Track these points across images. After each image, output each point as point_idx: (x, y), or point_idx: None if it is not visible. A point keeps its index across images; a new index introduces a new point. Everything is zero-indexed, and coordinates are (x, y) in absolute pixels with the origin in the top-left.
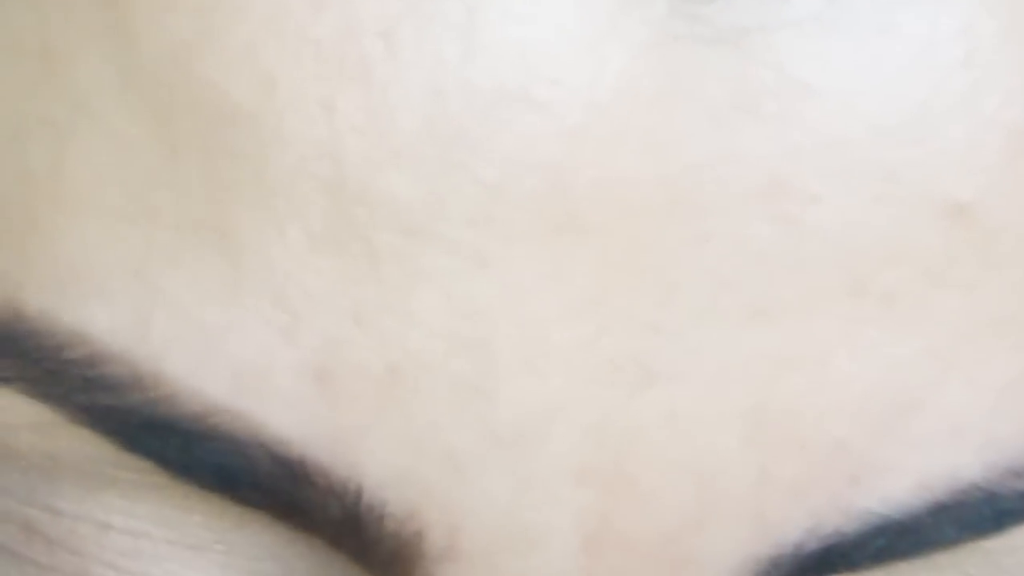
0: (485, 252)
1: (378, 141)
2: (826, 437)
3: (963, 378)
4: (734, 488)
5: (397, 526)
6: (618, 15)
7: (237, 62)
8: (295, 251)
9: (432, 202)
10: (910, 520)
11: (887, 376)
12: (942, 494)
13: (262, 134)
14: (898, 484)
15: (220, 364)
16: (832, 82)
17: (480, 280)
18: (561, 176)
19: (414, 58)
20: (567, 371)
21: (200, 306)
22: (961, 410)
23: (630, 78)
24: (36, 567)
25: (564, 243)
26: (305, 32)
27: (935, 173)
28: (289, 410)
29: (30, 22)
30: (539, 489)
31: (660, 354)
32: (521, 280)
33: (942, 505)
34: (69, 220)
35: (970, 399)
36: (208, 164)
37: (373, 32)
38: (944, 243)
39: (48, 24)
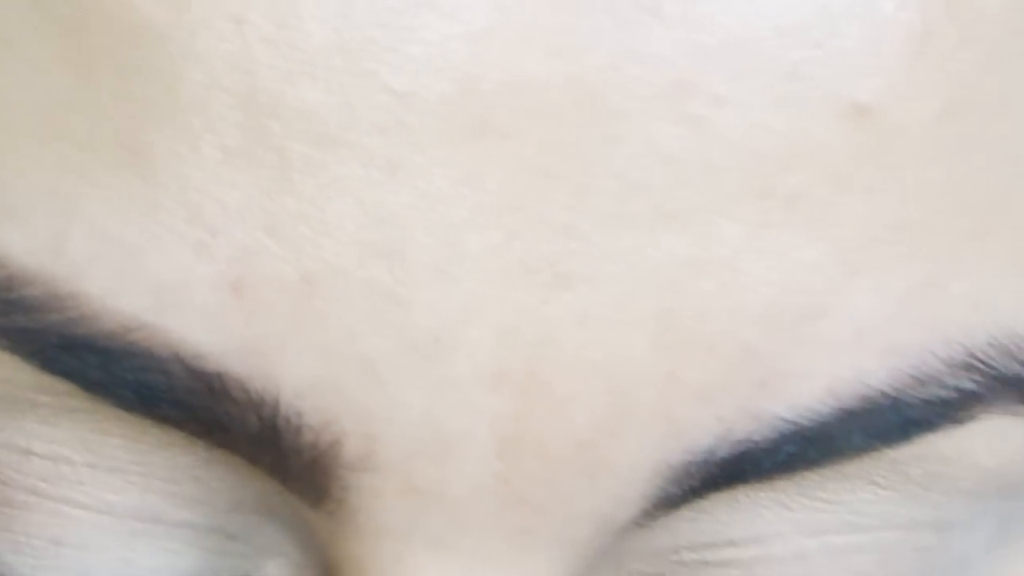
0: (397, 159)
1: (288, 53)
2: (735, 341)
3: (868, 283)
4: (645, 393)
5: (314, 436)
6: None
7: None
8: (209, 166)
9: (343, 111)
10: (818, 427)
11: (794, 280)
12: (849, 401)
13: (173, 50)
14: (806, 390)
15: (138, 281)
16: None
17: (392, 187)
18: (469, 81)
19: None
20: (480, 276)
21: (117, 224)
22: (866, 315)
23: None
24: None
25: (475, 148)
26: None
27: (836, 73)
28: (206, 324)
29: None
30: (454, 395)
31: (572, 258)
32: (433, 186)
33: (849, 412)
34: None
35: (875, 304)
36: (121, 83)
37: None
38: (847, 145)
39: None
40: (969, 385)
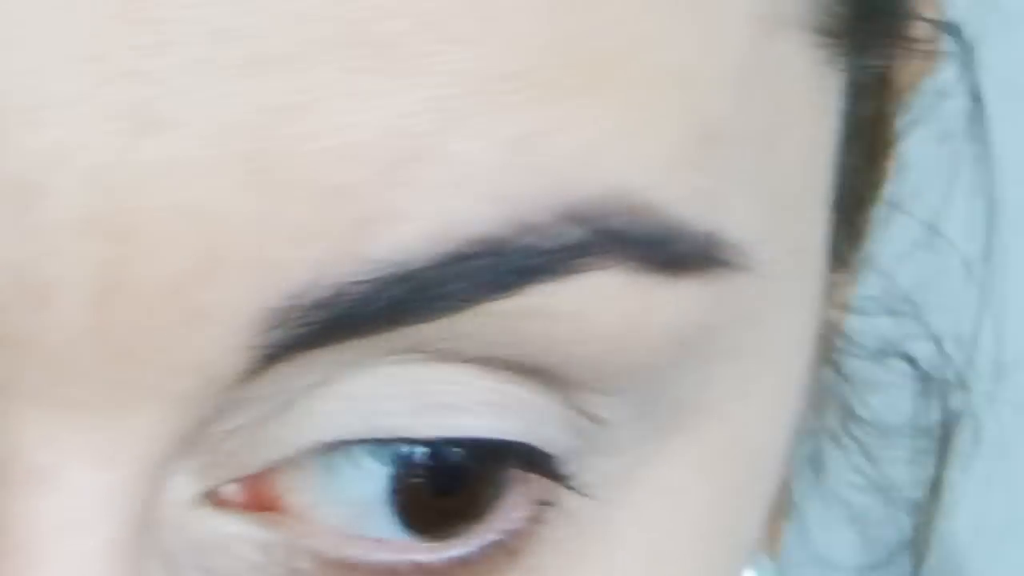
0: None
1: None
2: (328, 183)
3: (470, 130)
4: (239, 236)
5: None
6: None
7: None
8: None
9: None
10: (420, 270)
11: (389, 124)
12: (453, 245)
13: None
14: (408, 232)
15: None
16: None
17: None
18: None
19: None
20: (67, 122)
21: None
22: (469, 160)
23: None
24: None
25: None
26: None
27: None
28: None
29: None
30: (45, 242)
31: (157, 104)
32: (17, 34)
33: (454, 255)
34: None
35: (478, 151)
36: None
37: None
38: None
39: None
40: (573, 237)
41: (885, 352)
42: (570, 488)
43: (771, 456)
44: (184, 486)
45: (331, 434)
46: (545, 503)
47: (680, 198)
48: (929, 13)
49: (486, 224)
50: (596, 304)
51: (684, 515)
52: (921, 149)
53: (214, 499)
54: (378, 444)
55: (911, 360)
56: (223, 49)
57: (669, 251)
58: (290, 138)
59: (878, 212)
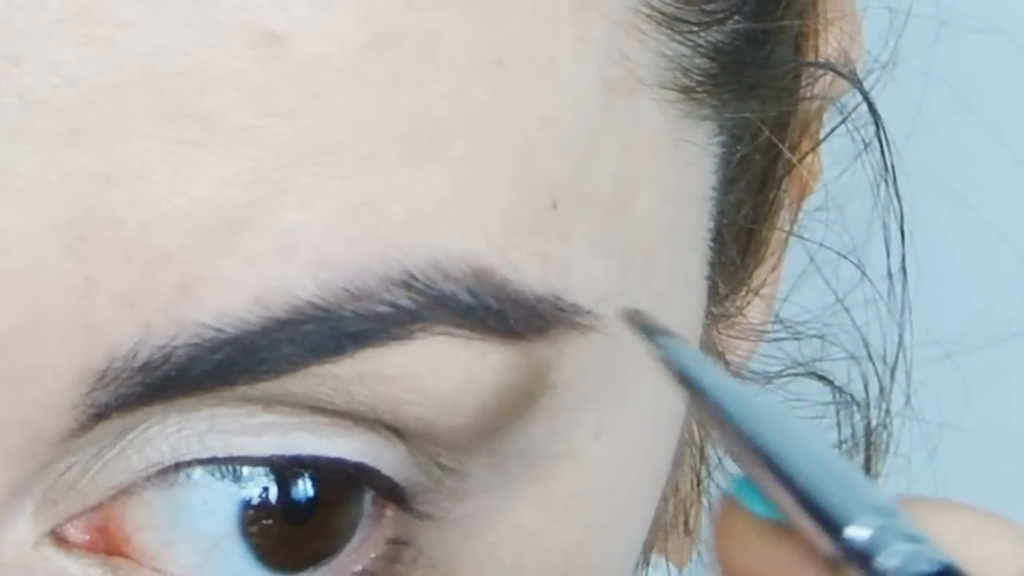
0: None
1: None
2: (150, 248)
3: (294, 200)
4: (62, 299)
5: None
6: None
7: None
8: None
9: None
10: (246, 335)
11: (211, 194)
12: (278, 311)
13: None
14: (232, 299)
15: None
16: None
17: None
18: None
19: None
20: None
21: None
22: (294, 229)
23: None
24: None
25: None
26: None
27: (245, 3)
28: None
29: None
30: None
31: None
32: None
33: (279, 322)
34: None
35: (302, 220)
36: None
37: None
38: (262, 72)
39: None
40: (406, 303)
41: (797, 373)
42: (424, 520)
43: (638, 492)
44: (24, 527)
45: (168, 456)
46: (400, 542)
47: (518, 263)
48: (832, 45)
49: (312, 291)
50: (429, 368)
51: (540, 556)
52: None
53: (57, 539)
54: (217, 466)
55: (826, 380)
56: (40, 120)
57: (505, 316)
58: (113, 206)
59: (778, 237)
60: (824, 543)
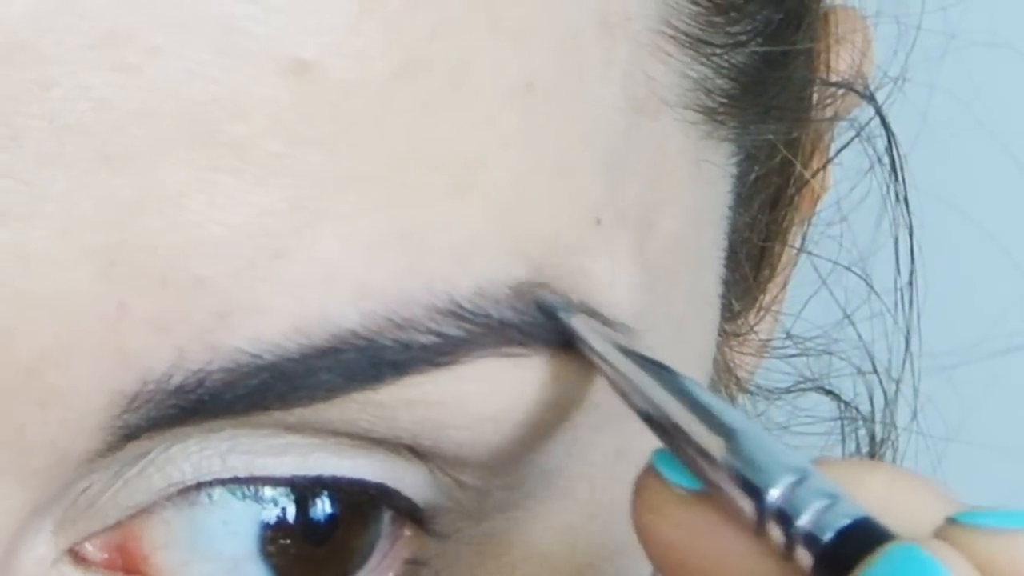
0: None
1: None
2: (186, 274)
3: (332, 229)
4: (93, 323)
5: None
6: None
7: None
8: None
9: None
10: (283, 362)
11: (249, 222)
12: (318, 339)
13: None
14: (270, 325)
15: None
16: None
17: None
18: None
19: None
20: None
21: None
22: (333, 259)
23: None
24: None
25: None
26: None
27: (275, 30)
28: None
29: None
30: None
31: (7, 196)
32: None
33: (318, 350)
34: None
35: (343, 249)
36: None
37: None
38: (292, 100)
39: None
40: (453, 331)
41: (806, 388)
42: (442, 540)
43: None
44: (44, 544)
45: (190, 476)
46: (417, 562)
47: (560, 281)
48: (845, 62)
49: (354, 320)
50: (476, 390)
51: None
52: (841, 182)
53: (76, 558)
54: (239, 486)
55: (833, 395)
56: (71, 145)
57: (547, 333)
58: (147, 232)
59: (788, 253)
60: (743, 504)
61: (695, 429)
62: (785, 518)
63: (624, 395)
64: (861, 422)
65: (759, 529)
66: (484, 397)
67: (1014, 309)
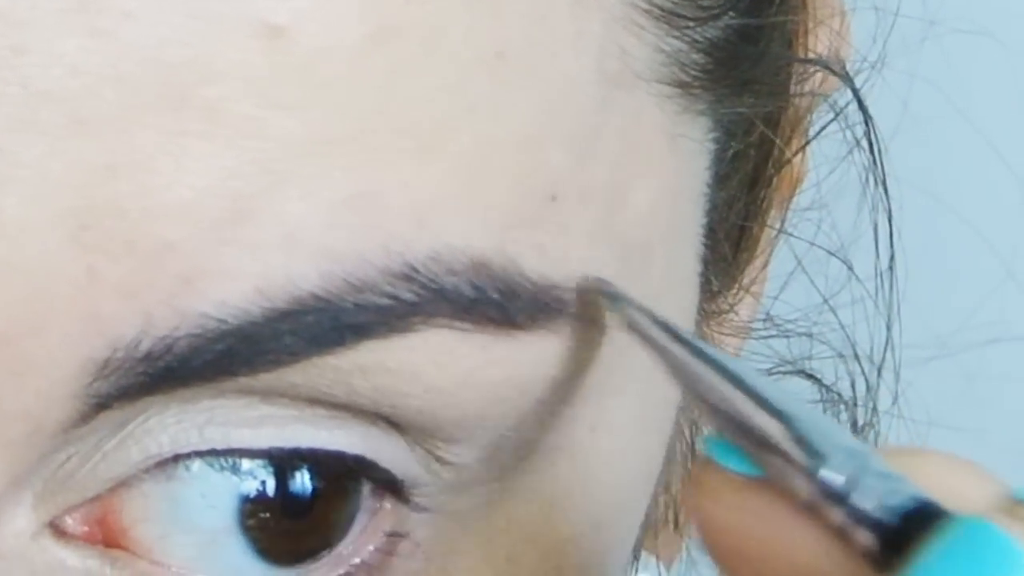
0: None
1: None
2: (153, 238)
3: (296, 191)
4: (64, 289)
5: None
6: None
7: None
8: None
9: None
10: (248, 326)
11: (216, 185)
12: (280, 302)
13: None
14: (234, 289)
15: None
16: None
17: None
18: None
19: None
20: None
21: None
22: (296, 220)
23: None
24: None
25: None
26: None
27: None
28: None
29: None
30: None
31: None
32: None
33: (281, 312)
34: None
35: (305, 211)
36: None
37: None
38: (265, 63)
39: None
40: (407, 295)
41: (787, 372)
42: (421, 512)
43: (632, 487)
44: (23, 517)
45: (167, 448)
46: (397, 535)
47: (517, 255)
48: (823, 44)
49: (314, 282)
50: (429, 361)
51: (535, 550)
52: (822, 166)
53: (56, 531)
54: (216, 458)
55: (814, 378)
56: (45, 110)
57: (505, 308)
58: (115, 196)
59: (767, 235)
60: (801, 487)
61: (752, 412)
62: (843, 498)
63: (682, 383)
64: (843, 407)
65: (818, 510)
66: (437, 368)
67: (994, 296)
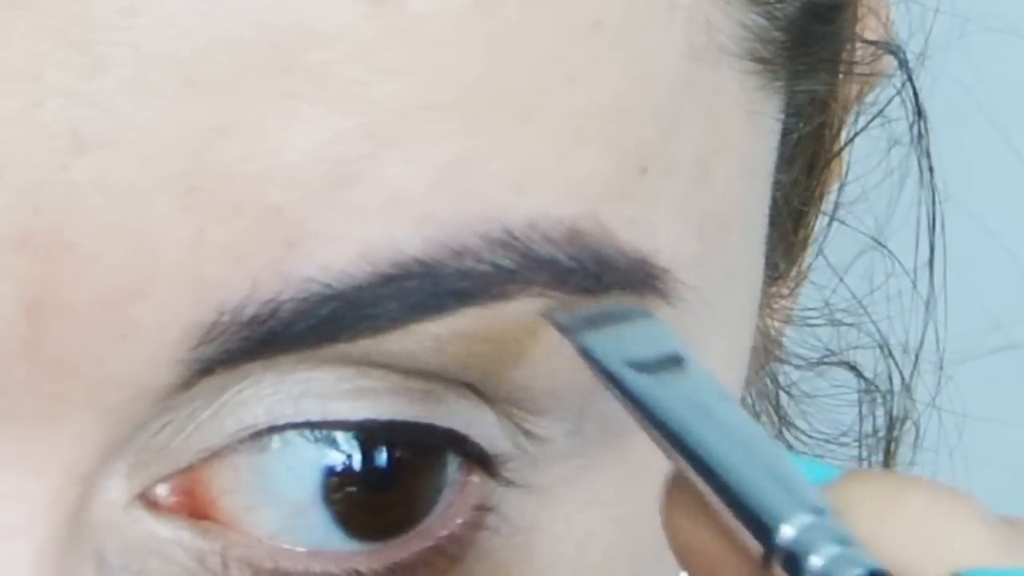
0: None
1: None
2: (261, 202)
3: (401, 155)
4: (172, 253)
5: None
6: None
7: None
8: None
9: None
10: (351, 291)
11: (322, 148)
12: (383, 267)
13: None
14: (338, 253)
15: None
16: None
17: None
18: None
19: None
20: (3, 137)
21: None
22: (399, 185)
23: None
24: None
25: (3, 16)
26: None
27: None
28: None
29: None
30: None
31: (90, 124)
32: None
33: (383, 277)
34: None
35: (409, 175)
36: None
37: None
38: (371, 28)
39: None
40: (505, 262)
41: (828, 362)
42: (508, 487)
43: None
44: (116, 488)
45: (263, 419)
46: (484, 508)
47: (609, 227)
48: (873, 33)
49: (416, 247)
50: (523, 329)
51: (613, 526)
52: (867, 159)
53: (147, 502)
54: (311, 430)
55: (854, 369)
56: (156, 73)
57: (600, 278)
58: (224, 160)
59: (819, 223)
60: (753, 545)
61: (707, 460)
62: (795, 561)
63: (634, 417)
64: (880, 400)
65: (766, 568)
66: (530, 336)
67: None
